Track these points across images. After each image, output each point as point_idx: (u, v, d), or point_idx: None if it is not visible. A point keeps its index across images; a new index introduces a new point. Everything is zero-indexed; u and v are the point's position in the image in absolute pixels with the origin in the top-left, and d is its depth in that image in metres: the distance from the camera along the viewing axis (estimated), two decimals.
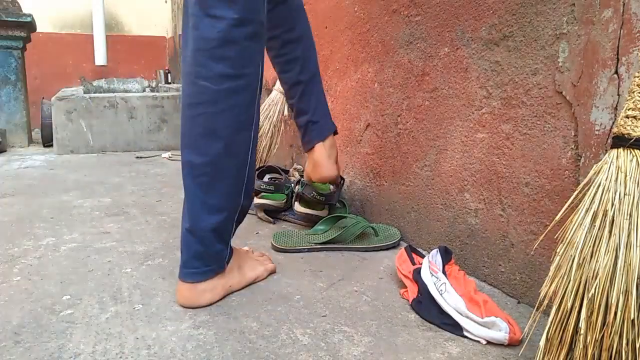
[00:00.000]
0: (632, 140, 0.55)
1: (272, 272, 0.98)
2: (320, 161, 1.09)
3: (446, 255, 0.90)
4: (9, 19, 2.66)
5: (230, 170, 0.83)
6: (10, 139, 2.74)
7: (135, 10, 4.48)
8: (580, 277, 0.55)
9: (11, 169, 2.06)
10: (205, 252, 0.83)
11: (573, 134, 0.77)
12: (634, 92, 0.56)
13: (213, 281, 0.85)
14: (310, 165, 1.11)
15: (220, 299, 0.86)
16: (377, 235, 1.15)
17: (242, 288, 0.91)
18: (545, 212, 0.82)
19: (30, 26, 2.78)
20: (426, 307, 0.82)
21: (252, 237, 1.21)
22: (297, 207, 1.26)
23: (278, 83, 1.56)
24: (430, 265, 0.87)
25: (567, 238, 0.58)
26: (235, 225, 0.88)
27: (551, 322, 0.58)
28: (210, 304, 0.85)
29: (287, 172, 1.44)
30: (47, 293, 0.89)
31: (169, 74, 4.13)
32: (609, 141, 0.71)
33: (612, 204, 0.55)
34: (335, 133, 1.12)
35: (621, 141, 0.56)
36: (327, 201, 1.23)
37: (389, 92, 1.19)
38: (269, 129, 1.53)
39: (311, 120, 1.08)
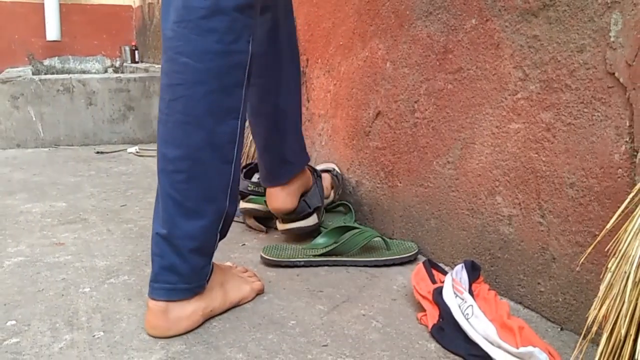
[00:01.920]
0: None
1: (260, 291, 0.98)
2: (276, 195, 1.17)
3: (473, 272, 0.90)
4: None
5: (211, 166, 0.83)
6: None
7: None
8: (637, 299, 0.55)
9: None
10: (183, 265, 0.83)
11: (627, 124, 0.77)
12: None
13: (191, 304, 0.85)
14: (267, 194, 1.19)
15: (199, 327, 0.86)
16: (388, 248, 1.15)
17: (225, 312, 0.91)
18: (593, 219, 0.82)
19: None
20: (449, 334, 0.82)
21: (237, 249, 1.21)
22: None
23: None
24: (454, 283, 0.87)
25: (620, 251, 0.58)
26: (219, 236, 0.89)
27: (601, 354, 0.58)
28: (187, 333, 0.85)
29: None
30: None
31: (136, 51, 4.13)
32: None
33: None
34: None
35: None
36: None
37: (403, 74, 1.19)
38: None
39: (284, 159, 1.15)
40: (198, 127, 0.81)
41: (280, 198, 1.17)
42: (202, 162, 0.82)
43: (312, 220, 1.24)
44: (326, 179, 1.38)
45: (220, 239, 0.90)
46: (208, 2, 0.78)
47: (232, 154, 0.85)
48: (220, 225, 0.87)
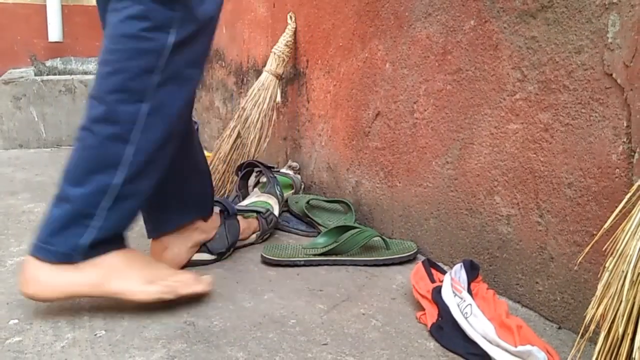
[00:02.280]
0: None
1: (171, 295, 0.89)
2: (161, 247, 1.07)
3: (472, 271, 0.90)
4: None
5: (104, 140, 0.86)
6: None
7: None
8: (634, 298, 0.55)
9: None
10: (54, 225, 0.86)
11: (625, 124, 0.77)
12: None
13: (59, 274, 0.85)
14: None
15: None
16: (388, 247, 1.15)
17: (102, 297, 0.89)
18: (591, 218, 0.82)
19: None
20: (448, 333, 0.82)
21: (237, 248, 1.21)
22: None
23: (269, 63, 1.56)
24: (453, 283, 0.87)
25: (618, 250, 0.58)
26: (114, 215, 0.87)
27: (599, 352, 0.58)
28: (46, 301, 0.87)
29: (270, 168, 1.43)
30: None
31: None
32: None
33: None
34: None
35: None
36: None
37: (403, 74, 1.19)
38: (258, 118, 1.53)
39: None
40: (100, 102, 0.86)
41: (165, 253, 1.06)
42: (95, 134, 0.86)
43: (206, 255, 1.12)
44: (251, 223, 1.23)
45: (123, 222, 0.90)
46: None
47: (129, 135, 0.86)
48: (110, 200, 0.86)
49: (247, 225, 1.21)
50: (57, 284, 0.85)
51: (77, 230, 0.86)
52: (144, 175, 0.89)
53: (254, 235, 1.23)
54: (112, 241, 0.89)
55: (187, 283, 0.92)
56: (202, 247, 1.11)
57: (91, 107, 0.87)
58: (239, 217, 1.20)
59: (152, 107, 0.87)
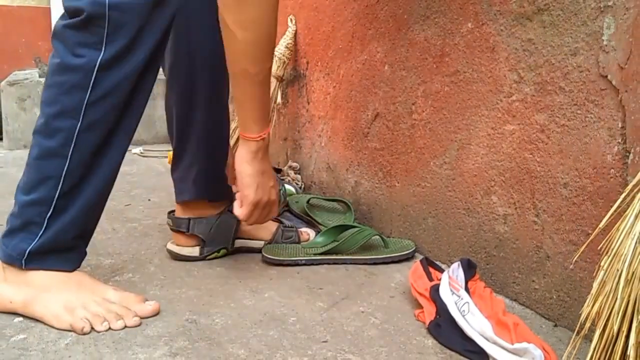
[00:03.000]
0: None
1: (79, 331, 0.83)
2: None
3: (469, 270, 0.90)
4: None
5: (43, 151, 0.87)
6: None
7: None
8: (629, 296, 0.55)
9: None
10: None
11: (620, 125, 0.77)
12: None
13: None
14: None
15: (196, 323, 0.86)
16: (386, 246, 1.15)
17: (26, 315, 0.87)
18: (587, 218, 0.82)
19: None
20: (446, 331, 0.82)
21: (238, 247, 1.21)
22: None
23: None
24: (451, 281, 0.87)
25: (613, 249, 0.58)
26: (53, 229, 0.87)
27: (594, 349, 0.58)
28: None
29: (279, 171, 1.43)
30: None
31: None
32: None
33: None
34: None
35: None
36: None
37: (401, 76, 1.19)
38: None
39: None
40: (42, 114, 0.88)
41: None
42: (36, 145, 0.88)
43: (187, 250, 1.13)
44: (270, 226, 1.20)
45: (66, 232, 0.88)
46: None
47: (63, 150, 0.86)
48: (49, 211, 0.87)
49: (260, 226, 1.17)
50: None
51: (24, 235, 0.88)
52: (80, 189, 0.88)
53: (261, 242, 1.19)
54: (57, 254, 0.89)
55: (119, 314, 0.86)
56: (195, 243, 1.13)
57: (39, 117, 0.89)
58: None
59: (85, 123, 0.86)
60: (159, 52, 0.91)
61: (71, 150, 0.86)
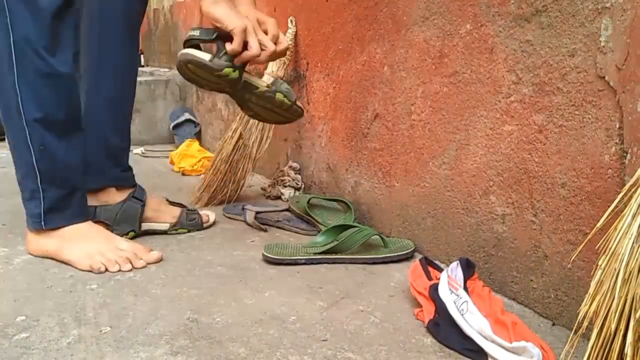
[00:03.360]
0: None
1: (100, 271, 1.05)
2: None
3: (468, 269, 0.90)
4: None
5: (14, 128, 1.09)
6: None
7: None
8: (626, 295, 0.55)
9: None
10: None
11: (617, 125, 0.77)
12: None
13: (30, 235, 1.14)
14: None
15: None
16: (386, 246, 1.15)
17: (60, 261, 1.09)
18: (584, 217, 0.82)
19: None
20: (445, 329, 0.82)
21: (240, 246, 1.21)
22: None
23: (270, 66, 1.56)
24: (450, 280, 0.87)
25: (610, 248, 0.58)
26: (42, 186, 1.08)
27: (592, 348, 0.58)
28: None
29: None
30: None
31: (141, 56, 4.11)
32: None
33: None
34: None
35: None
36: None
37: (400, 77, 1.19)
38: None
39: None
40: None
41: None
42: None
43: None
44: (172, 210, 1.31)
45: (61, 190, 1.09)
46: None
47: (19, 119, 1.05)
48: (37, 178, 1.07)
49: (164, 211, 1.30)
50: (36, 246, 1.12)
51: (34, 203, 1.09)
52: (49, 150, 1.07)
53: (166, 225, 1.28)
54: (62, 211, 1.09)
55: (129, 259, 1.07)
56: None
57: None
58: (156, 200, 1.30)
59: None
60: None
61: (23, 117, 1.05)
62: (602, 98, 0.79)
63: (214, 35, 0.99)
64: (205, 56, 0.98)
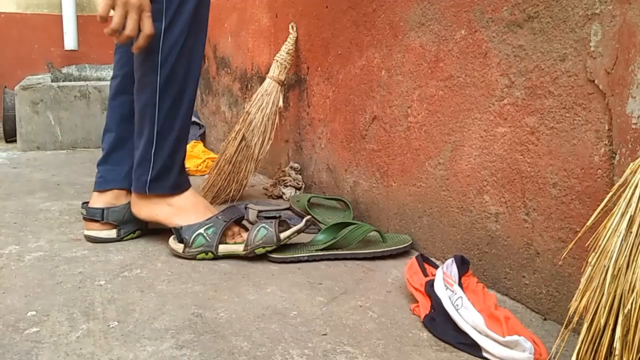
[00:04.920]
0: None
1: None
2: None
3: (463, 266, 0.90)
4: None
5: (141, 105, 1.15)
6: None
7: None
8: (615, 291, 0.55)
9: None
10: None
11: (607, 127, 0.77)
12: None
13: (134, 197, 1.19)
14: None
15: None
16: (384, 241, 1.15)
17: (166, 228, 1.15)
18: (575, 216, 0.82)
19: None
20: (440, 324, 0.82)
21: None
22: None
23: (272, 70, 1.56)
24: (445, 277, 0.87)
25: (600, 246, 0.58)
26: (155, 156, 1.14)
27: (582, 342, 0.58)
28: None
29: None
30: (9, 308, 0.89)
31: None
32: None
33: None
34: None
35: None
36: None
37: (397, 81, 1.19)
38: (261, 122, 1.53)
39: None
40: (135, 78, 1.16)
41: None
42: (136, 100, 1.15)
43: (105, 233, 1.21)
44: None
45: (168, 161, 1.14)
46: None
47: (154, 99, 1.11)
48: (154, 148, 1.12)
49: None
50: (145, 210, 1.17)
51: (141, 170, 1.14)
52: (169, 127, 1.13)
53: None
54: (166, 180, 1.14)
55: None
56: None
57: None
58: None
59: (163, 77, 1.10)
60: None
61: (157, 99, 1.10)
62: (592, 101, 0.79)
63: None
64: (179, 247, 1.12)
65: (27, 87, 2.45)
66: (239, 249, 1.11)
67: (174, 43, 1.09)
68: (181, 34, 1.09)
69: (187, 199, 1.17)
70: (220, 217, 1.14)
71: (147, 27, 1.05)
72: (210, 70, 2.36)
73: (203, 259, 1.11)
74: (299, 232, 1.11)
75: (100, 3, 1.02)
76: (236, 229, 1.17)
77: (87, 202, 1.24)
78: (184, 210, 1.15)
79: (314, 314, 0.89)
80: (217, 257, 1.11)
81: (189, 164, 1.99)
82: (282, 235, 1.10)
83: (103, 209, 1.21)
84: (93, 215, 1.21)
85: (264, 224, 1.11)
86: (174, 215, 1.14)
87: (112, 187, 1.23)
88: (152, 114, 1.11)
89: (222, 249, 1.11)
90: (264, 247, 1.09)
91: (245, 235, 1.14)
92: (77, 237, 1.25)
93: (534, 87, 0.88)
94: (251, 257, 1.11)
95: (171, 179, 1.15)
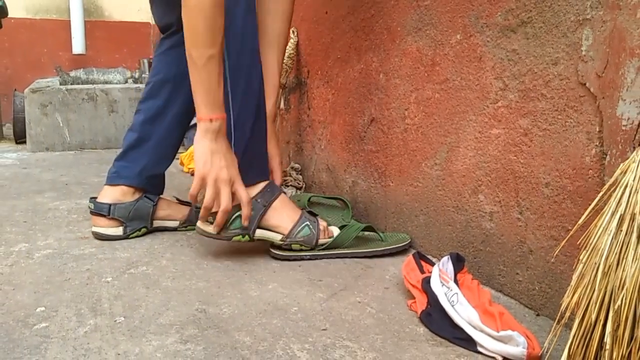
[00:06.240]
0: None
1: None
2: None
3: (458, 263, 0.90)
4: None
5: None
6: None
7: None
8: (606, 287, 0.55)
9: None
10: None
11: (597, 129, 0.77)
12: None
13: None
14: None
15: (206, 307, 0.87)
16: (383, 240, 1.15)
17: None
18: (567, 215, 0.82)
19: (1, 11, 2.77)
20: (436, 319, 0.82)
21: (245, 243, 1.21)
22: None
23: None
24: (441, 273, 0.87)
25: (591, 244, 0.58)
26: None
27: (573, 337, 0.58)
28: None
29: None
30: (19, 304, 0.89)
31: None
32: (637, 137, 0.71)
33: None
34: None
35: None
36: None
37: (395, 84, 1.19)
38: None
39: None
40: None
41: None
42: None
43: (112, 230, 1.21)
44: (180, 209, 1.30)
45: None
46: None
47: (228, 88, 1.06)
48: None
49: (174, 210, 1.29)
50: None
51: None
52: (246, 113, 1.08)
53: (176, 222, 1.28)
54: (257, 167, 1.09)
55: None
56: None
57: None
58: (167, 199, 1.29)
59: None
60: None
61: (229, 87, 1.05)
62: (583, 103, 0.79)
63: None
64: (211, 229, 1.06)
65: (37, 90, 2.45)
66: (277, 237, 1.09)
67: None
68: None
69: (278, 200, 1.11)
70: (260, 199, 1.08)
71: (243, 196, 1.03)
72: None
73: (239, 242, 1.09)
74: (333, 241, 1.11)
75: (194, 180, 1.02)
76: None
77: (96, 197, 1.24)
78: (276, 210, 1.09)
79: (314, 309, 0.89)
80: (252, 240, 1.09)
81: (192, 165, 1.99)
82: (321, 241, 1.10)
83: (110, 205, 1.21)
84: (100, 210, 1.21)
85: (307, 222, 1.10)
86: (269, 217, 1.09)
87: (124, 183, 1.23)
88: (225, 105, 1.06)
89: (259, 233, 1.09)
90: (300, 245, 1.09)
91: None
92: (84, 235, 1.25)
93: (527, 90, 0.88)
94: (252, 254, 1.11)
95: (263, 166, 1.12)
